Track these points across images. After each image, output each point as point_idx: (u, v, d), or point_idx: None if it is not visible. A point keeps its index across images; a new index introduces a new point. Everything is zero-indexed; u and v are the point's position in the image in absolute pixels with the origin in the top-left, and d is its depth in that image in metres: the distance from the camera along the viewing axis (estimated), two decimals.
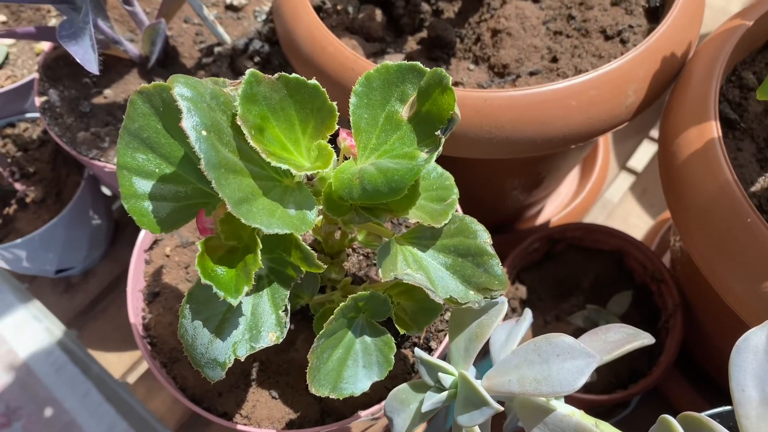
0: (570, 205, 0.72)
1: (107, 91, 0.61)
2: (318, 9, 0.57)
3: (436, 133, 0.34)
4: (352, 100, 0.36)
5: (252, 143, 0.33)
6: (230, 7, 0.64)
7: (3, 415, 0.95)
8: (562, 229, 0.61)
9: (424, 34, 0.58)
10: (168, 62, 0.62)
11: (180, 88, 0.32)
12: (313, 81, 0.35)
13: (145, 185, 0.36)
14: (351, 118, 0.36)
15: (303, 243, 0.35)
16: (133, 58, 0.60)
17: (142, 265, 0.51)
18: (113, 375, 0.71)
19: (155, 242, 0.52)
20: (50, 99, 0.59)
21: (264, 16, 0.63)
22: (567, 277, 0.61)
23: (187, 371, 0.46)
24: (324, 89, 0.35)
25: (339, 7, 0.56)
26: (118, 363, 0.71)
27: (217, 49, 0.61)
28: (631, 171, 0.81)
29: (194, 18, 0.64)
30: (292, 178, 0.36)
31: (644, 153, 0.82)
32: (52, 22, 0.74)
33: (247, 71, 0.33)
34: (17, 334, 1.04)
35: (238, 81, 0.36)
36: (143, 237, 0.52)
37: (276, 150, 0.35)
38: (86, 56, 0.46)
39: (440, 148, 0.34)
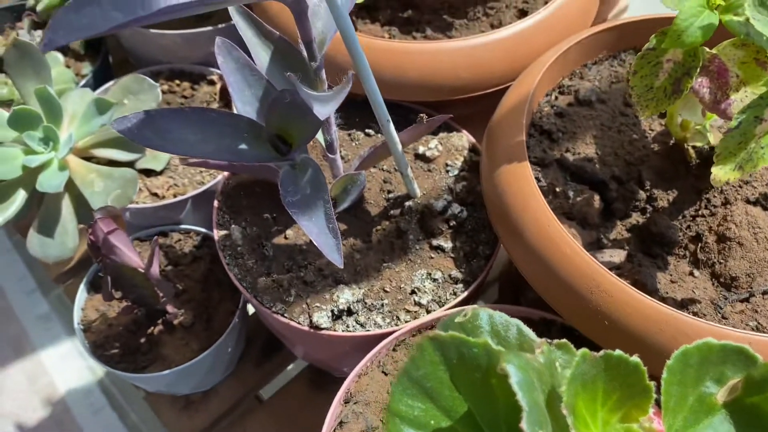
0: None
1: (289, 232, 0.57)
2: None
3: None
4: (665, 376, 0.33)
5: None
6: (420, 157, 0.61)
7: None
8: None
9: (632, 220, 0.55)
10: (351, 206, 0.59)
11: (516, 376, 0.28)
12: (635, 359, 0.31)
13: None
14: (662, 397, 0.32)
15: None
16: None
17: None
18: None
19: (340, 424, 0.48)
20: (232, 235, 0.56)
21: (456, 172, 0.60)
22: None
23: None
24: (645, 368, 0.31)
25: (557, 189, 0.53)
26: None
27: (407, 204, 0.58)
28: None
29: (384, 164, 0.61)
30: None
31: None
32: None
33: (579, 351, 0.30)
34: (60, 367, 1.02)
35: (542, 340, 0.33)
36: (328, 420, 0.47)
37: (582, 429, 0.31)
38: (324, 240, 0.42)
39: None
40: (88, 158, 0.68)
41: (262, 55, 0.52)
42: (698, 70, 0.43)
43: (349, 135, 0.63)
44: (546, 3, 0.68)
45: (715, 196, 0.54)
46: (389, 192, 0.60)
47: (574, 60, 0.60)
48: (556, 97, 0.60)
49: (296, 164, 0.48)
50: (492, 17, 0.66)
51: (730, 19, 0.41)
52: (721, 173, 0.41)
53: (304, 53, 0.45)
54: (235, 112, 0.71)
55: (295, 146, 0.46)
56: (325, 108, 0.37)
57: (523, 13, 0.67)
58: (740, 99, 0.43)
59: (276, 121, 0.45)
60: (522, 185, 0.50)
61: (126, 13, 0.31)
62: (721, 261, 0.51)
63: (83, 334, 0.63)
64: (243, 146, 0.46)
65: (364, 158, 0.55)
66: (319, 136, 0.54)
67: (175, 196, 0.67)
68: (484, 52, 0.59)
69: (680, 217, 0.54)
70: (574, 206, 0.53)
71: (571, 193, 0.53)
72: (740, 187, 0.54)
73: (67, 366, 0.99)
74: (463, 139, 0.63)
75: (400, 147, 0.52)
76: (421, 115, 0.51)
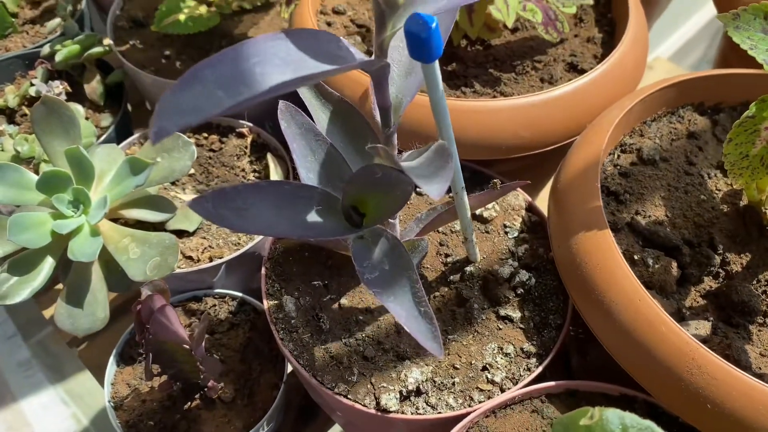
0: None
1: (343, 301, 0.54)
2: None
3: None
4: None
5: None
6: (477, 218, 0.58)
7: None
8: None
9: (705, 285, 0.52)
10: None
11: None
12: None
13: None
14: None
15: None
16: None
17: None
18: None
19: None
20: (285, 307, 0.53)
21: (515, 233, 0.57)
22: None
23: None
24: None
25: (636, 257, 0.50)
26: None
27: (468, 269, 0.54)
28: None
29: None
30: None
31: None
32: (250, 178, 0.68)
33: None
34: (43, 417, 0.96)
35: None
36: None
37: None
38: (416, 326, 0.39)
39: None
40: (115, 219, 0.63)
41: (321, 117, 0.49)
42: None
43: None
44: (594, 56, 0.66)
45: None
46: (446, 255, 0.56)
47: (635, 117, 0.58)
48: (619, 156, 0.58)
49: (365, 234, 0.45)
50: (541, 71, 0.65)
51: None
52: None
53: (378, 118, 0.43)
54: (275, 177, 0.68)
55: (374, 219, 0.43)
56: (432, 186, 0.34)
57: (572, 67, 0.65)
58: None
59: (354, 193, 0.42)
60: (605, 256, 0.47)
61: (229, 93, 0.28)
62: None
63: (114, 413, 0.58)
64: (317, 219, 0.43)
65: (428, 223, 0.52)
66: None
67: (210, 259, 0.63)
68: (545, 110, 0.57)
69: (755, 282, 0.52)
70: (653, 275, 0.50)
71: (650, 261, 0.50)
72: None
73: (50, 415, 0.94)
74: (519, 197, 0.60)
75: (469, 214, 0.49)
76: (495, 180, 0.49)
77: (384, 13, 0.34)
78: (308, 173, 0.47)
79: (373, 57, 0.37)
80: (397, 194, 0.39)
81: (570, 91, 0.58)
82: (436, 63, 0.36)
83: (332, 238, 0.42)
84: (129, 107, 0.82)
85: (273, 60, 0.30)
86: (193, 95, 0.27)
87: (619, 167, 0.57)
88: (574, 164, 0.54)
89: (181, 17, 0.72)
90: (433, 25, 0.33)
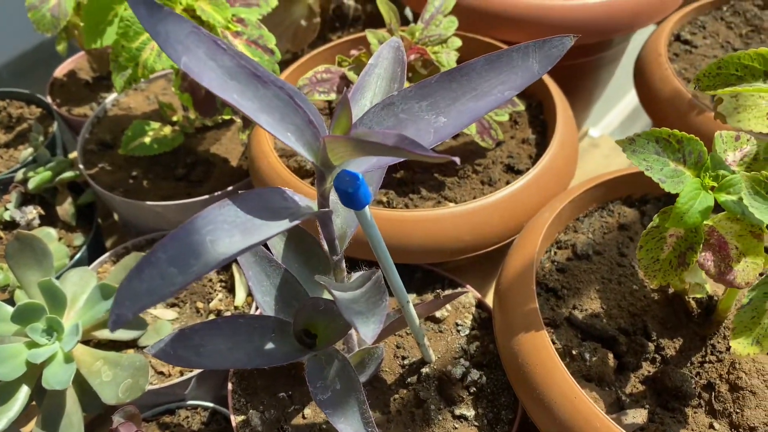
0: None
1: (307, 411, 0.57)
2: None
3: None
4: None
5: None
6: (431, 318, 0.62)
7: None
8: None
9: (644, 370, 0.56)
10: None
11: None
12: None
13: None
14: None
15: None
16: None
17: None
18: None
19: None
20: (251, 421, 0.55)
21: (467, 331, 0.61)
22: None
23: None
24: None
25: (574, 352, 0.54)
26: None
27: (424, 370, 0.58)
28: None
29: None
30: None
31: None
32: (218, 297, 0.72)
33: None
34: None
35: None
36: None
37: None
38: None
39: None
40: (87, 341, 0.66)
41: (276, 242, 0.53)
42: (701, 245, 0.46)
43: None
44: (529, 156, 0.72)
45: (719, 342, 0.56)
46: (403, 358, 0.60)
47: (567, 215, 0.63)
48: (555, 252, 0.62)
49: (318, 354, 0.48)
50: (481, 174, 0.70)
51: (725, 199, 0.45)
52: (740, 348, 0.43)
53: (326, 248, 0.47)
54: (239, 286, 0.72)
55: (325, 341, 0.46)
56: (368, 328, 0.38)
57: (509, 168, 0.71)
58: (742, 269, 0.46)
59: (304, 320, 0.46)
60: (543, 357, 0.51)
61: (181, 268, 0.32)
62: (737, 410, 0.53)
63: None
64: (271, 345, 0.46)
65: (383, 331, 0.56)
66: None
67: (182, 373, 0.66)
68: (483, 215, 0.62)
69: (689, 365, 0.56)
70: (591, 368, 0.54)
71: (587, 355, 0.54)
72: None
73: None
74: (469, 295, 0.64)
75: (418, 322, 0.53)
76: (437, 291, 0.53)
77: (323, 172, 0.39)
78: (264, 297, 0.51)
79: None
80: (341, 323, 0.43)
81: (505, 195, 0.63)
82: (368, 208, 0.41)
83: (285, 363, 0.46)
84: (99, 221, 0.86)
85: (222, 227, 0.34)
86: (148, 278, 0.30)
87: (556, 263, 0.61)
88: (512, 267, 0.58)
89: (147, 140, 0.77)
90: (359, 181, 0.38)
